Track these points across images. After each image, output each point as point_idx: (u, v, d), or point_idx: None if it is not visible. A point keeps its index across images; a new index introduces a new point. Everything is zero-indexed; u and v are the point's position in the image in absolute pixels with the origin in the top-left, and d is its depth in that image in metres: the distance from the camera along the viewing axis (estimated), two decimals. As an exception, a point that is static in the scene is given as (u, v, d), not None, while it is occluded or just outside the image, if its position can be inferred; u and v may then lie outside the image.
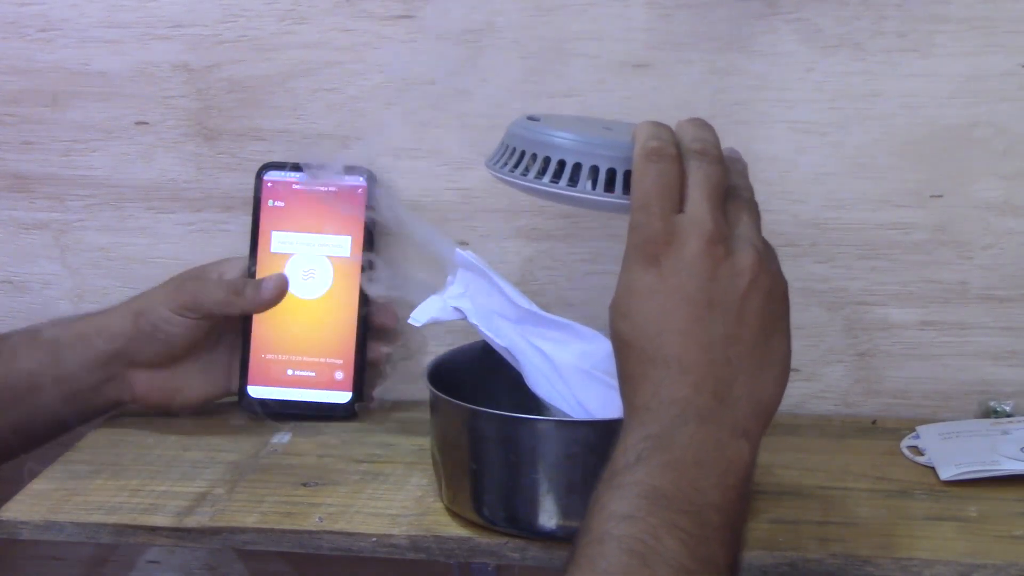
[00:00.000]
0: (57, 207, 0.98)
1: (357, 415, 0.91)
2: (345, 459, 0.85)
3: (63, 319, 0.91)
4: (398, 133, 0.92)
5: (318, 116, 0.93)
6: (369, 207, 0.91)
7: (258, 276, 0.92)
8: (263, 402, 0.92)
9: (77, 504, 0.80)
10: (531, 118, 0.70)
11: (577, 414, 0.74)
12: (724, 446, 0.59)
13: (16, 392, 0.87)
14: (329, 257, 0.92)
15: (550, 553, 0.73)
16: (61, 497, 0.81)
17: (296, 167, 0.92)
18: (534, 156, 0.67)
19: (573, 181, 0.66)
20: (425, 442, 0.79)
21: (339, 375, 0.91)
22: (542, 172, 0.67)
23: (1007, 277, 0.87)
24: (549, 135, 0.67)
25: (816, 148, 0.87)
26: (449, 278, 0.78)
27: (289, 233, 0.92)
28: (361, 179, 0.91)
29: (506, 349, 0.76)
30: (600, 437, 0.70)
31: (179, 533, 0.77)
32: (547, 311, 0.75)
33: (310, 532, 0.76)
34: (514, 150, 0.68)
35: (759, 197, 0.66)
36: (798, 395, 0.90)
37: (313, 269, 0.92)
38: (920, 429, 0.86)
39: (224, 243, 0.96)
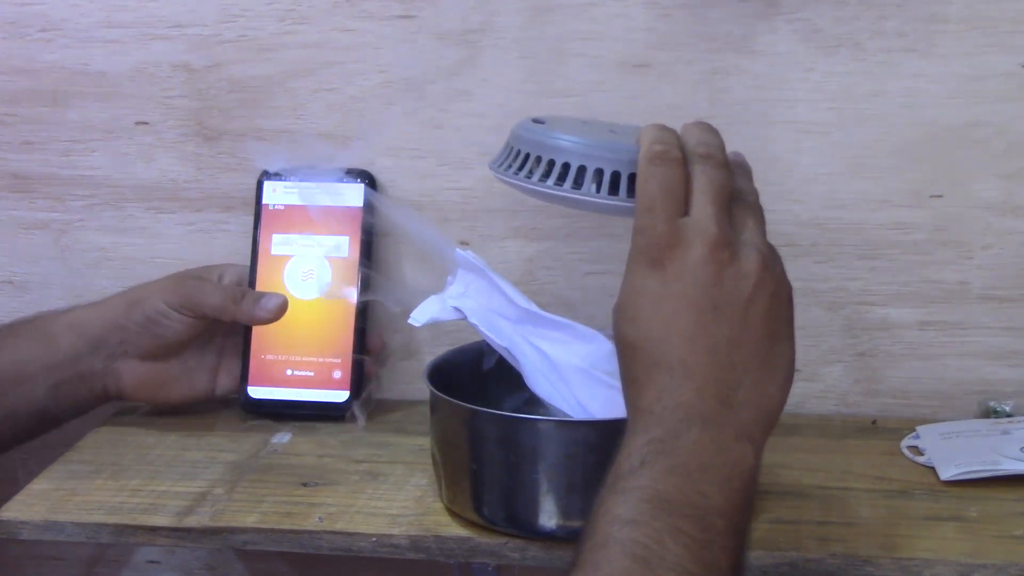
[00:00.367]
0: (57, 207, 0.99)
1: (355, 415, 0.91)
2: (345, 459, 0.85)
3: (56, 310, 0.91)
4: (398, 133, 0.92)
5: (318, 116, 0.93)
6: (367, 208, 0.91)
7: (258, 282, 0.92)
8: (263, 402, 0.92)
9: (77, 504, 0.80)
10: (536, 120, 0.70)
11: (577, 414, 0.74)
12: (728, 450, 0.59)
13: (2, 381, 0.87)
14: (328, 258, 0.92)
15: (550, 553, 0.73)
16: (61, 497, 0.81)
17: (296, 170, 0.93)
18: (539, 159, 0.67)
19: (578, 184, 0.66)
20: (425, 442, 0.79)
21: (337, 374, 0.91)
22: (546, 175, 0.67)
23: (1007, 277, 0.87)
24: (554, 137, 0.67)
25: (816, 148, 0.87)
26: (449, 278, 0.78)
27: (288, 235, 0.92)
28: (360, 180, 0.92)
29: (506, 349, 0.76)
30: (600, 437, 0.70)
31: (179, 533, 0.77)
32: (547, 311, 0.75)
33: (310, 532, 0.76)
34: (518, 152, 0.68)
35: (760, 199, 0.66)
36: (798, 395, 0.90)
37: (312, 270, 0.92)
38: (920, 429, 0.86)
39: (224, 243, 0.96)
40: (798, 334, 0.64)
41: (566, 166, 0.66)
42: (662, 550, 0.55)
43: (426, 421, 0.78)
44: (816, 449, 0.85)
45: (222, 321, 0.90)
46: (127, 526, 0.77)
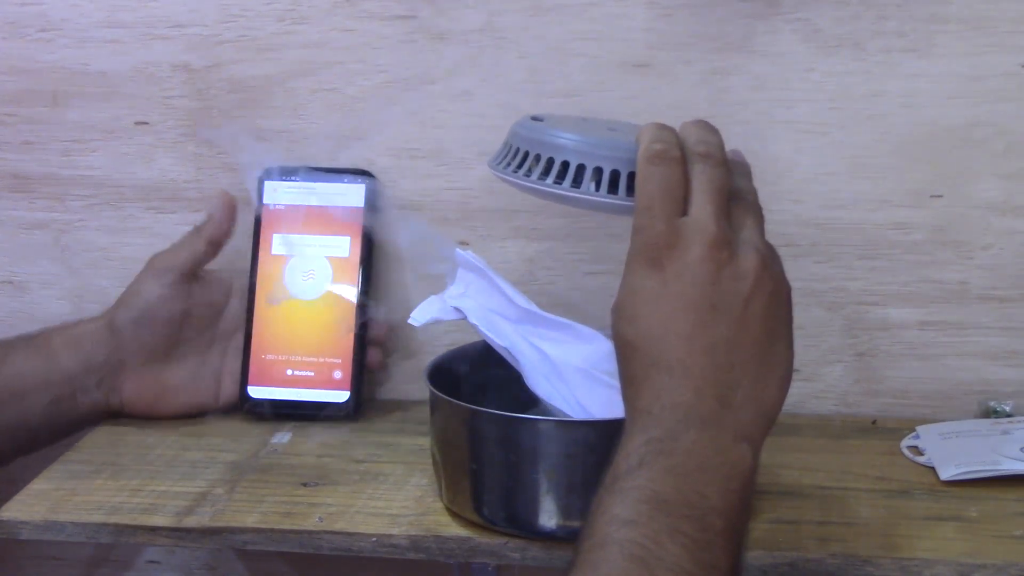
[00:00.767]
0: (57, 207, 0.98)
1: (356, 414, 0.91)
2: (345, 459, 0.85)
3: (59, 325, 0.91)
4: (398, 133, 0.92)
5: (318, 116, 0.93)
6: (368, 208, 0.91)
7: (259, 279, 0.92)
8: (263, 402, 0.92)
9: (77, 504, 0.80)
10: (535, 118, 0.70)
11: (577, 414, 0.74)
12: (726, 450, 0.59)
13: (3, 396, 0.87)
14: (328, 258, 0.92)
15: (550, 553, 0.73)
16: (61, 497, 0.81)
17: (295, 170, 0.93)
18: (538, 157, 0.67)
19: (576, 182, 0.66)
20: (425, 442, 0.79)
21: (337, 374, 0.91)
22: (545, 173, 0.67)
23: (1007, 277, 0.87)
24: (553, 136, 0.67)
25: (816, 148, 0.87)
26: (449, 278, 0.78)
27: (289, 235, 0.92)
28: (360, 180, 0.92)
29: (506, 349, 0.76)
30: (600, 437, 0.70)
31: (179, 533, 0.77)
32: (547, 311, 0.75)
33: (310, 532, 0.76)
34: (517, 150, 0.68)
35: (759, 198, 0.66)
36: (798, 395, 0.90)
37: (312, 270, 0.92)
38: (920, 429, 0.86)
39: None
40: (798, 334, 0.64)
41: (565, 164, 0.66)
42: (660, 550, 0.55)
43: (426, 421, 0.78)
44: (816, 449, 0.85)
45: (212, 305, 0.91)
46: (127, 526, 0.77)
